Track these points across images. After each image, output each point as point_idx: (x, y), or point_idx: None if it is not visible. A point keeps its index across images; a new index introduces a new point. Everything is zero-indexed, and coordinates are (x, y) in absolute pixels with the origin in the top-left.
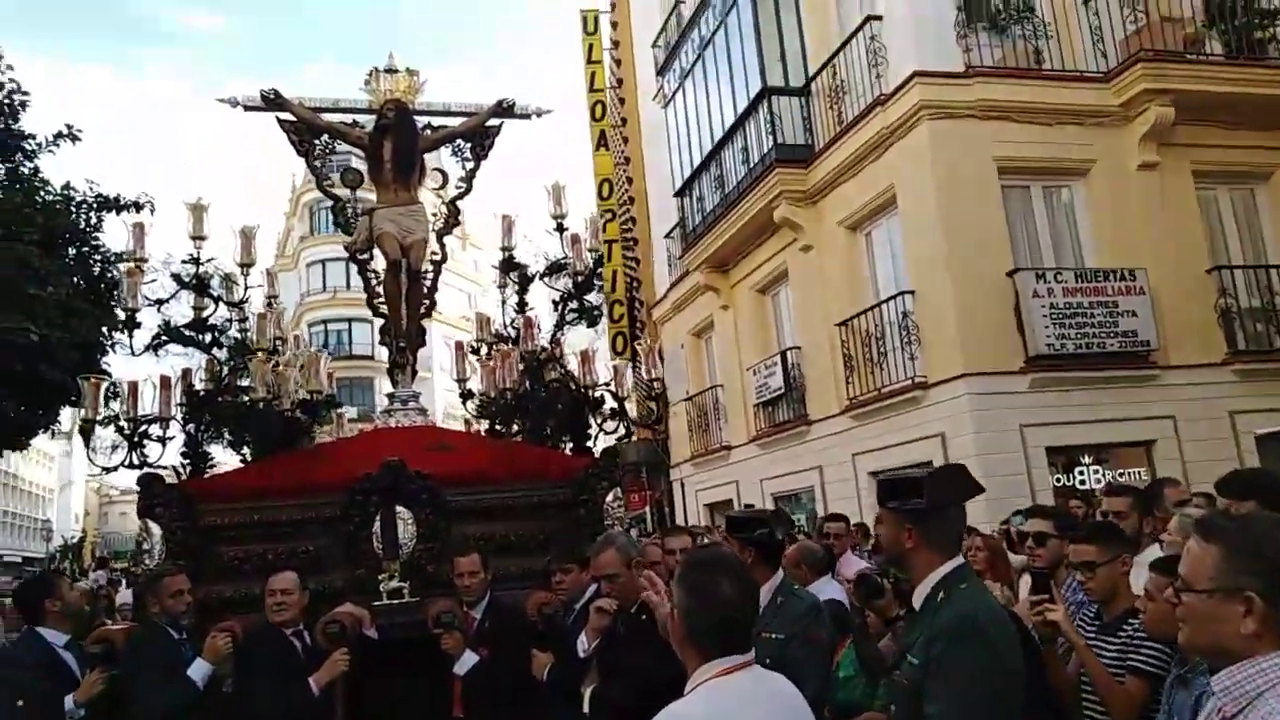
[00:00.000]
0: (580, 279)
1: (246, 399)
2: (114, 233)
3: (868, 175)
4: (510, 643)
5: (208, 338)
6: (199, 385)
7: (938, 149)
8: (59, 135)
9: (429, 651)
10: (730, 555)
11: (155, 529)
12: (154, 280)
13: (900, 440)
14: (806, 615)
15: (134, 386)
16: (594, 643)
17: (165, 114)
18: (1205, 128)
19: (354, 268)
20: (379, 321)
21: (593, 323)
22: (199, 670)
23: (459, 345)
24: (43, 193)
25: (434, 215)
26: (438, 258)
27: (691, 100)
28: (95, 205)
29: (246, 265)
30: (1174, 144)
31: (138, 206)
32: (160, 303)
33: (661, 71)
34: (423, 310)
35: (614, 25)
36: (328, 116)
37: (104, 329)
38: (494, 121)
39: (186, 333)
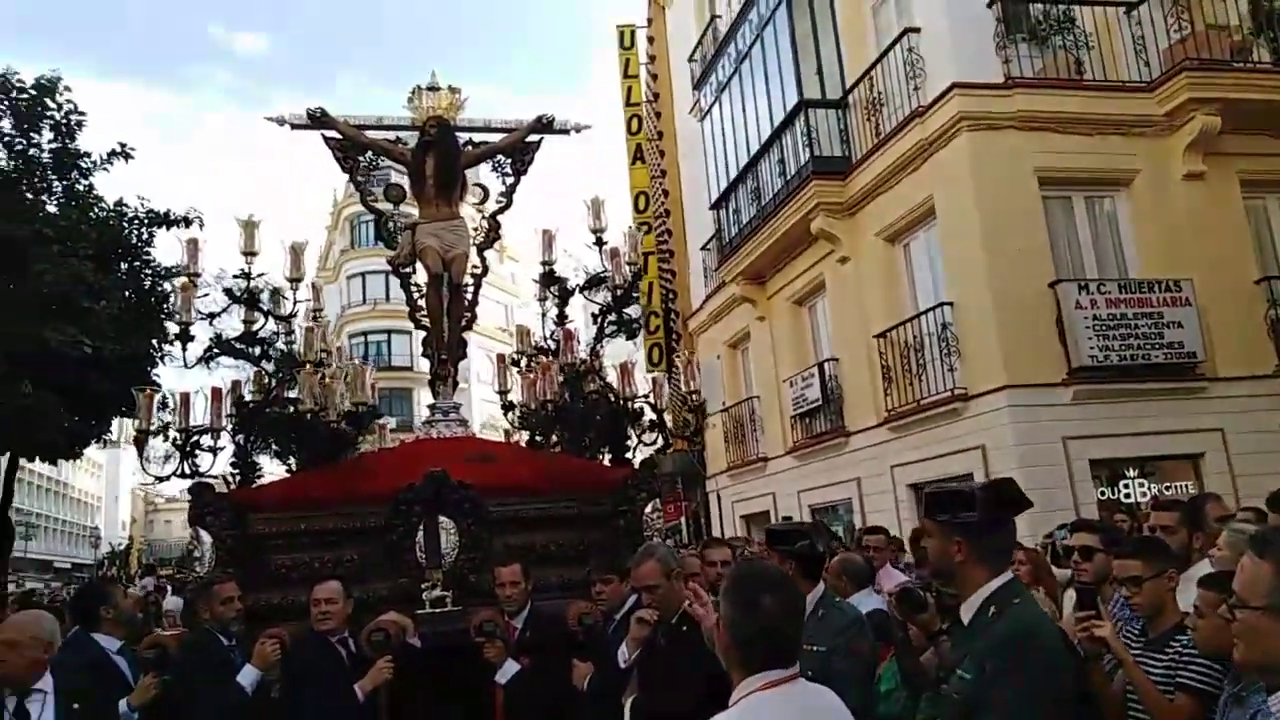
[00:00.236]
0: (619, 292)
1: (294, 410)
2: (165, 247)
3: (906, 187)
4: (551, 652)
5: (257, 350)
6: (248, 397)
7: (977, 160)
8: (112, 153)
9: (471, 660)
10: (775, 570)
11: (205, 537)
12: (206, 295)
13: (940, 452)
14: (850, 628)
15: (186, 398)
16: (634, 653)
17: (213, 131)
18: (1253, 136)
19: (394, 280)
20: (419, 334)
21: (631, 335)
22: (248, 676)
23: (500, 358)
24: (96, 209)
25: (475, 230)
26: (478, 271)
27: (728, 113)
28: (146, 221)
29: (295, 280)
30: (1220, 153)
31: (187, 222)
32: (212, 316)
33: (698, 85)
34: (464, 323)
35: (650, 40)
36: (371, 134)
37: (154, 342)
38: (533, 137)
39: (237, 345)
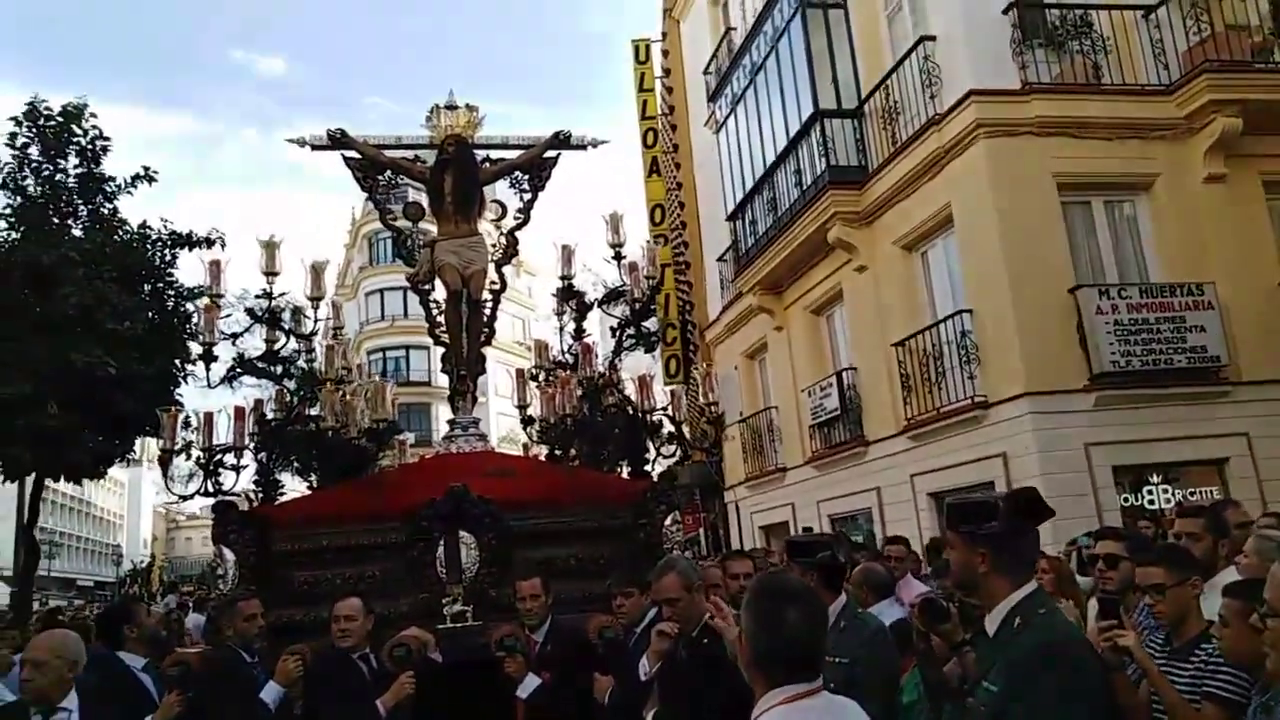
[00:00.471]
0: (638, 305)
1: (315, 427)
2: (187, 268)
3: (923, 195)
4: (572, 666)
5: (279, 369)
6: (270, 415)
7: (995, 167)
8: (136, 177)
9: (492, 675)
10: (798, 582)
11: (229, 554)
12: (229, 315)
13: (960, 460)
14: (872, 639)
15: (209, 417)
16: (655, 666)
17: (234, 153)
18: (1275, 138)
19: (412, 296)
20: (437, 349)
21: (650, 348)
22: (271, 693)
23: (520, 372)
24: (120, 232)
25: (493, 246)
26: (496, 287)
27: (743, 125)
28: (169, 242)
29: (316, 299)
30: (1242, 155)
31: (209, 242)
32: (235, 336)
33: (713, 97)
34: (483, 339)
35: (665, 54)
36: (390, 153)
37: (177, 361)
38: (551, 153)
39: (259, 365)
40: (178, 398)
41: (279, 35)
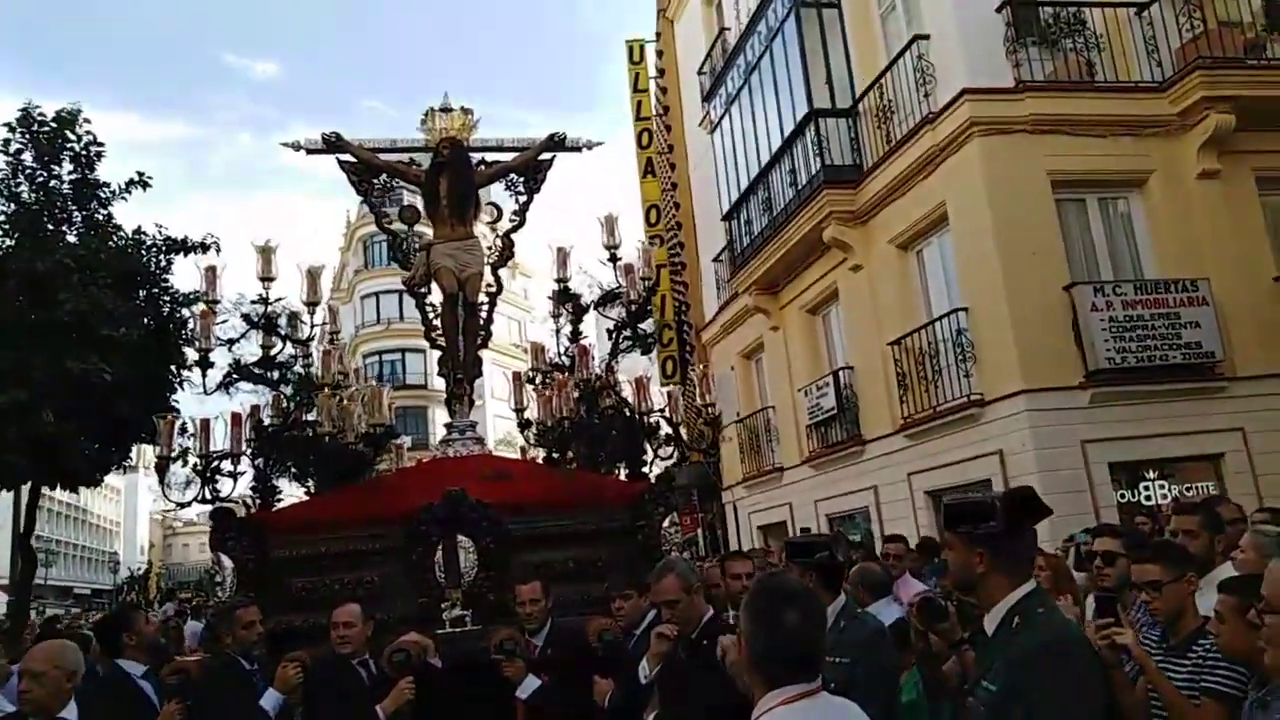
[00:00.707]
0: (634, 307)
1: (312, 432)
2: (182, 273)
3: (918, 194)
4: (572, 669)
5: (275, 375)
6: (267, 421)
7: (989, 165)
8: (130, 182)
9: (492, 679)
10: (797, 583)
11: (227, 561)
12: (225, 321)
13: (957, 458)
14: (871, 639)
15: (206, 423)
16: (655, 669)
17: (228, 157)
18: (1268, 134)
19: (408, 300)
20: (434, 352)
21: (646, 350)
22: (270, 700)
23: (516, 375)
24: (115, 237)
25: (488, 249)
26: (492, 290)
27: (738, 125)
28: (164, 247)
29: (312, 303)
30: (1235, 151)
31: (204, 248)
32: (231, 342)
33: (707, 98)
34: (479, 341)
35: (659, 54)
36: (385, 156)
37: (173, 367)
38: (546, 155)
39: (255, 370)
40: (174, 404)
41: (273, 39)
